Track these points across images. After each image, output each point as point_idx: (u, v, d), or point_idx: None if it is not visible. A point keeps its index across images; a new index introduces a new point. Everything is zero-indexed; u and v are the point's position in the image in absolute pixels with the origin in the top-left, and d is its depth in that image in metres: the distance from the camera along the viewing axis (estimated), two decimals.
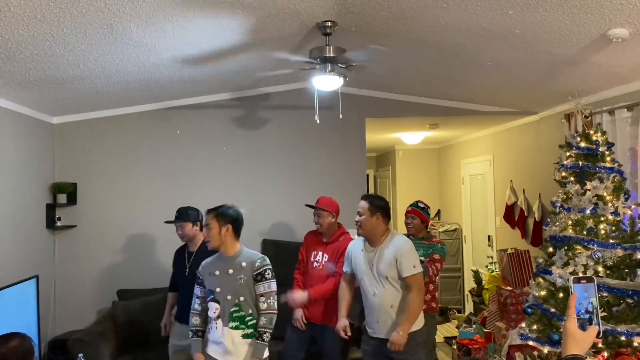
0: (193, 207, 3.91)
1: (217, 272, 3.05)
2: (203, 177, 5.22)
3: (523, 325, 3.46)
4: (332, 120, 4.86)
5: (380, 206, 3.38)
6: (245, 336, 3.00)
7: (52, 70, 3.55)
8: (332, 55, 3.37)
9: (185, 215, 3.80)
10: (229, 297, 2.98)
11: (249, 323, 3.02)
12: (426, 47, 3.71)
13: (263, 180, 5.28)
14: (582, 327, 1.47)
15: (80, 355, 3.73)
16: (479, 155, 7.12)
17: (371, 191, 9.34)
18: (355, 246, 3.49)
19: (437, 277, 3.95)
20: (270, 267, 3.08)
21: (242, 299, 3.00)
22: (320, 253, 3.88)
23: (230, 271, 3.01)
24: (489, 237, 6.86)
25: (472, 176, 7.43)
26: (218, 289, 3.02)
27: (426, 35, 3.44)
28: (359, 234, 3.43)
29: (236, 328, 2.99)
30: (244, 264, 3.03)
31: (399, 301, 3.29)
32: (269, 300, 3.03)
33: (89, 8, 2.67)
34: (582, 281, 1.50)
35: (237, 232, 3.10)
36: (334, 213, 3.85)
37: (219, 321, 3.00)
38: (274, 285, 3.07)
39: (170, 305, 3.98)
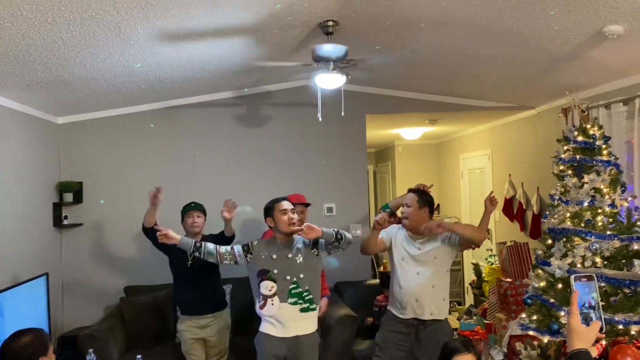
0: None
1: (275, 256, 3.28)
2: (207, 175, 5.30)
3: (523, 315, 3.55)
4: (333, 117, 4.92)
5: (427, 201, 3.59)
6: (302, 310, 3.26)
7: (60, 71, 3.61)
8: (326, 55, 3.43)
9: (202, 207, 4.00)
10: (287, 277, 3.24)
11: (306, 298, 3.27)
12: (426, 45, 3.78)
13: (266, 177, 5.35)
14: (586, 321, 1.53)
15: (91, 350, 3.81)
16: (478, 149, 7.20)
17: (371, 187, 9.41)
18: (397, 231, 3.61)
19: None
20: None
21: (301, 276, 3.27)
22: None
23: (290, 255, 3.29)
24: (488, 230, 6.93)
25: (471, 170, 7.51)
26: (276, 270, 3.25)
27: (426, 33, 3.51)
28: (404, 225, 3.58)
29: (294, 304, 3.25)
30: (299, 245, 3.33)
31: (439, 283, 3.51)
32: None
33: (98, 11, 2.74)
34: (582, 279, 1.57)
35: None
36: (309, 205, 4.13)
37: (275, 298, 3.24)
38: None
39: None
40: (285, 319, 3.24)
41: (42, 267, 4.48)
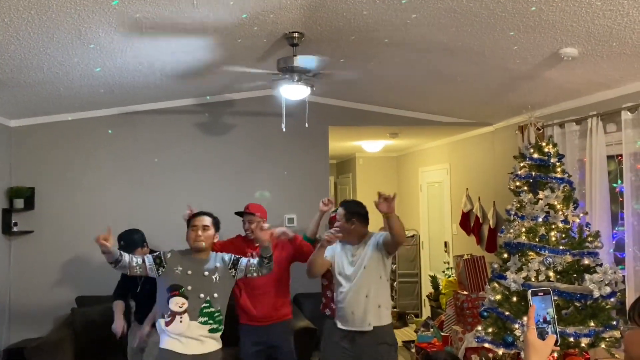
0: (134, 229, 3.87)
1: (190, 272, 3.15)
2: (165, 183, 5.20)
3: (479, 328, 3.61)
4: (296, 128, 4.93)
5: (355, 212, 3.54)
6: (211, 330, 3.16)
7: (14, 73, 3.49)
8: (299, 65, 3.44)
9: (132, 243, 3.75)
10: (201, 295, 3.13)
11: (217, 318, 3.18)
12: (389, 60, 3.84)
13: (227, 186, 5.30)
14: (541, 336, 1.57)
15: None
16: (437, 163, 7.34)
17: (332, 197, 9.44)
18: (337, 246, 3.57)
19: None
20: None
21: (215, 295, 3.17)
22: (254, 253, 3.84)
23: (206, 273, 3.18)
24: (445, 243, 7.07)
25: (430, 184, 7.64)
26: (190, 287, 3.13)
27: (389, 49, 3.57)
28: (340, 240, 3.51)
29: (205, 323, 3.14)
30: (217, 264, 3.22)
31: (372, 292, 3.44)
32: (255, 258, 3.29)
33: (58, 13, 2.66)
34: (539, 294, 1.61)
35: None
36: (264, 218, 3.89)
37: (185, 316, 3.11)
38: None
39: (121, 310, 3.90)
40: (194, 337, 3.12)
41: None
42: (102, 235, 2.95)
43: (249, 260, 3.27)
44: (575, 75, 3.70)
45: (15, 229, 4.82)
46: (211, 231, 3.24)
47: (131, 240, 3.75)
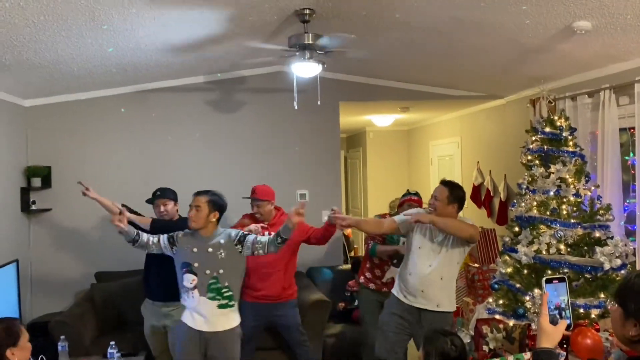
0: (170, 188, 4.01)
1: (196, 249, 3.27)
2: (179, 160, 5.26)
3: (490, 300, 3.67)
4: (307, 104, 4.94)
5: (459, 197, 3.54)
6: (220, 306, 3.27)
7: (30, 55, 3.53)
8: (311, 42, 3.45)
9: (169, 193, 3.93)
10: (207, 272, 3.24)
11: (225, 294, 3.27)
12: (400, 35, 3.83)
13: (239, 163, 5.34)
14: (553, 322, 1.63)
15: (62, 337, 3.80)
16: (447, 137, 7.33)
17: (342, 172, 9.47)
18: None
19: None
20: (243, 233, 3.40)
21: (221, 271, 3.26)
22: (266, 233, 3.92)
23: (210, 250, 3.27)
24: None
25: (441, 157, 7.64)
26: (196, 264, 3.25)
27: (400, 24, 3.55)
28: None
29: (213, 299, 3.25)
30: (222, 241, 3.29)
31: (448, 275, 3.51)
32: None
33: None
34: (554, 281, 1.65)
35: (219, 220, 3.35)
36: (272, 201, 4.04)
37: (196, 291, 3.25)
38: None
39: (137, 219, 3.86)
40: (204, 314, 3.26)
41: (11, 253, 4.40)
42: (117, 217, 3.18)
43: (255, 237, 3.31)
44: (588, 48, 3.67)
45: (33, 207, 4.92)
46: (204, 211, 3.24)
47: (169, 191, 3.92)
